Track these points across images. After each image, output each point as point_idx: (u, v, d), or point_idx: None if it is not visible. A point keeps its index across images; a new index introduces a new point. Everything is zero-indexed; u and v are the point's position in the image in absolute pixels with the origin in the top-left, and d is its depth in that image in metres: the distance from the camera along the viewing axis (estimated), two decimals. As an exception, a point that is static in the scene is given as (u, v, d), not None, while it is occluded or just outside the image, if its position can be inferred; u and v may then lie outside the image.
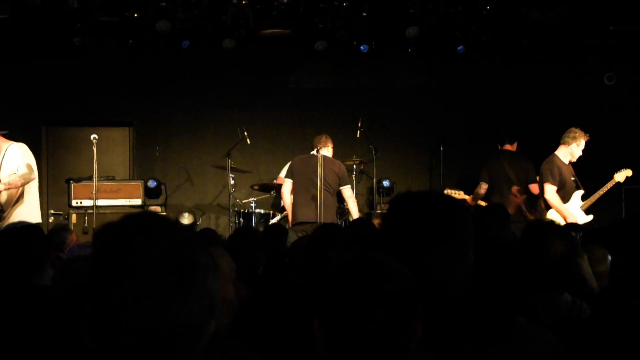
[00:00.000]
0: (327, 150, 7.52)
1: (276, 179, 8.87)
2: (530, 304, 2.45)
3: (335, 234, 3.31)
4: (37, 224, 5.84)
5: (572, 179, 7.19)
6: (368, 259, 1.52)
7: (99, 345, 1.09)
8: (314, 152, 7.34)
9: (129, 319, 1.07)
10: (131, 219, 1.17)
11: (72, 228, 7.73)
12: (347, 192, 7.44)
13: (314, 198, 7.06)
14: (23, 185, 6.30)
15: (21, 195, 6.31)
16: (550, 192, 6.93)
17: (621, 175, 7.39)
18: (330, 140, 7.62)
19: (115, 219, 1.18)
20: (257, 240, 4.12)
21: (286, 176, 7.52)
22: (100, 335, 1.08)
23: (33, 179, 6.37)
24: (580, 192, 7.21)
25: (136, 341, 1.07)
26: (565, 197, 7.06)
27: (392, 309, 1.43)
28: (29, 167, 6.32)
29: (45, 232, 4.40)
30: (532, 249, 2.56)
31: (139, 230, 1.13)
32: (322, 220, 6.88)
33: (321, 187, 7.04)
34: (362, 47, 9.39)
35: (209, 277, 1.14)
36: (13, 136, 6.53)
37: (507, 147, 8.17)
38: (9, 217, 6.19)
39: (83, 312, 1.09)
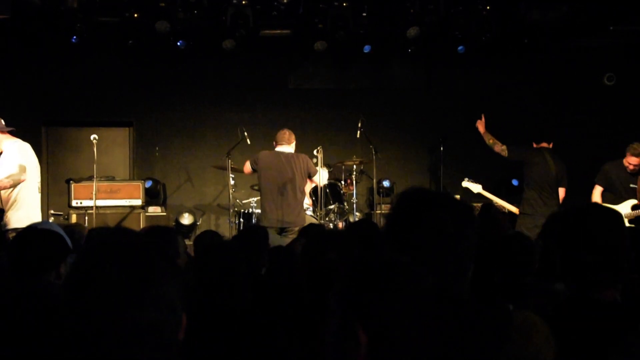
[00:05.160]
0: (290, 147, 7.29)
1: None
2: (552, 291, 2.45)
3: (335, 234, 3.30)
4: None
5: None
6: (396, 262, 1.40)
7: (74, 348, 1.25)
8: (279, 149, 7.22)
9: (92, 323, 1.24)
10: (101, 238, 1.41)
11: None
12: (316, 178, 7.29)
13: (280, 202, 6.96)
14: (12, 186, 6.01)
15: (16, 199, 6.05)
16: None
17: None
18: (293, 136, 7.38)
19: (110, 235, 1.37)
20: (261, 241, 4.09)
21: (250, 163, 7.32)
22: (74, 338, 1.26)
23: (22, 180, 6.04)
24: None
25: (102, 343, 1.24)
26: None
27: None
28: (21, 168, 6.04)
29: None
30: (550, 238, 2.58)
31: (101, 249, 1.34)
32: (290, 222, 6.88)
33: (288, 187, 6.97)
34: (365, 48, 9.38)
35: (164, 284, 1.30)
36: (13, 136, 6.34)
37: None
38: (7, 221, 5.98)
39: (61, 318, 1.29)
